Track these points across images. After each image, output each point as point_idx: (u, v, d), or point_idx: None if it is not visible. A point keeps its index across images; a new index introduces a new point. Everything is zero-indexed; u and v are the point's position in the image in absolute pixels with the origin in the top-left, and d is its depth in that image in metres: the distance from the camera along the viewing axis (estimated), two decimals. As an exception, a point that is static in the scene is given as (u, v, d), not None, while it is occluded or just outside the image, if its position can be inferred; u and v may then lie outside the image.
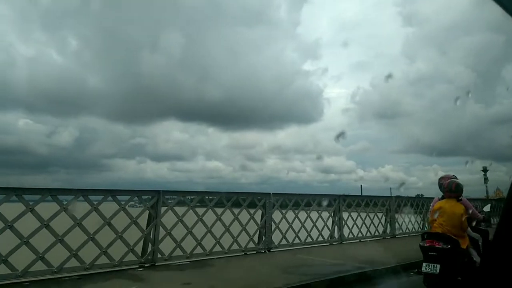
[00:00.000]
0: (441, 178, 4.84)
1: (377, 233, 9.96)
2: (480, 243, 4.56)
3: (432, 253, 4.18)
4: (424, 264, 4.20)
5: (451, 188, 4.43)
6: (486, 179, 14.48)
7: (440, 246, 4.14)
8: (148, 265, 5.70)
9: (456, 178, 4.66)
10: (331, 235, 8.93)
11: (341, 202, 9.17)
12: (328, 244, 8.75)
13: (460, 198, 4.45)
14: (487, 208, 5.99)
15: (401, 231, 10.58)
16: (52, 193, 4.95)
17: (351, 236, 9.23)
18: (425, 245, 4.28)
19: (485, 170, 14.24)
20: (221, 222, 6.72)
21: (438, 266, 4.06)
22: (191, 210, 6.32)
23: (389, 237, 10.19)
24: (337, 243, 8.84)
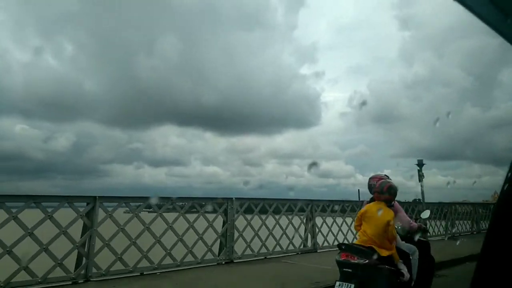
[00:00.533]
0: (371, 178, 4.19)
1: (291, 247, 7.73)
2: (411, 257, 3.83)
3: (346, 270, 3.47)
4: (337, 283, 3.47)
5: (382, 190, 3.76)
6: (421, 176, 11.00)
7: (356, 261, 3.43)
8: None
9: (389, 179, 4.02)
10: (219, 253, 6.65)
11: (234, 207, 6.88)
12: (215, 264, 6.50)
13: (392, 203, 3.82)
14: (425, 215, 4.69)
15: (327, 244, 8.35)
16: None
17: (248, 252, 6.95)
18: (340, 259, 3.56)
19: (420, 164, 11.14)
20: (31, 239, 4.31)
21: (353, 286, 3.35)
22: None
23: (309, 251, 7.96)
24: (224, 262, 6.56)
